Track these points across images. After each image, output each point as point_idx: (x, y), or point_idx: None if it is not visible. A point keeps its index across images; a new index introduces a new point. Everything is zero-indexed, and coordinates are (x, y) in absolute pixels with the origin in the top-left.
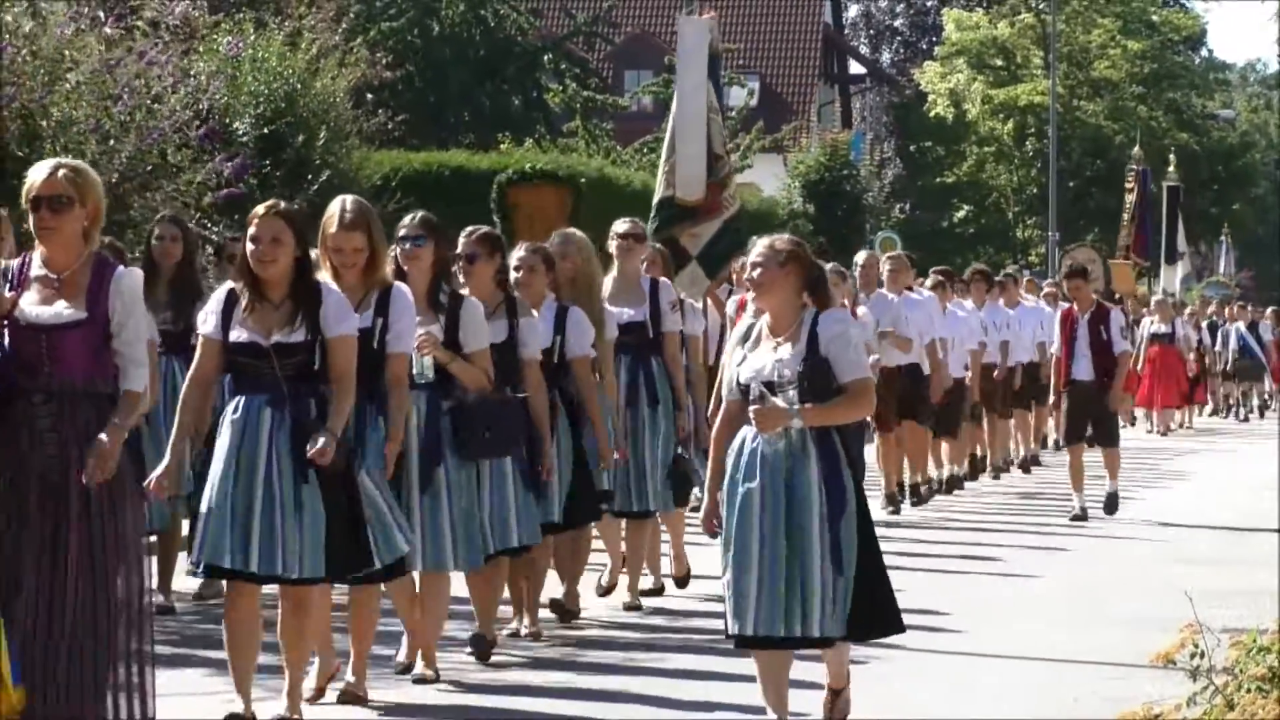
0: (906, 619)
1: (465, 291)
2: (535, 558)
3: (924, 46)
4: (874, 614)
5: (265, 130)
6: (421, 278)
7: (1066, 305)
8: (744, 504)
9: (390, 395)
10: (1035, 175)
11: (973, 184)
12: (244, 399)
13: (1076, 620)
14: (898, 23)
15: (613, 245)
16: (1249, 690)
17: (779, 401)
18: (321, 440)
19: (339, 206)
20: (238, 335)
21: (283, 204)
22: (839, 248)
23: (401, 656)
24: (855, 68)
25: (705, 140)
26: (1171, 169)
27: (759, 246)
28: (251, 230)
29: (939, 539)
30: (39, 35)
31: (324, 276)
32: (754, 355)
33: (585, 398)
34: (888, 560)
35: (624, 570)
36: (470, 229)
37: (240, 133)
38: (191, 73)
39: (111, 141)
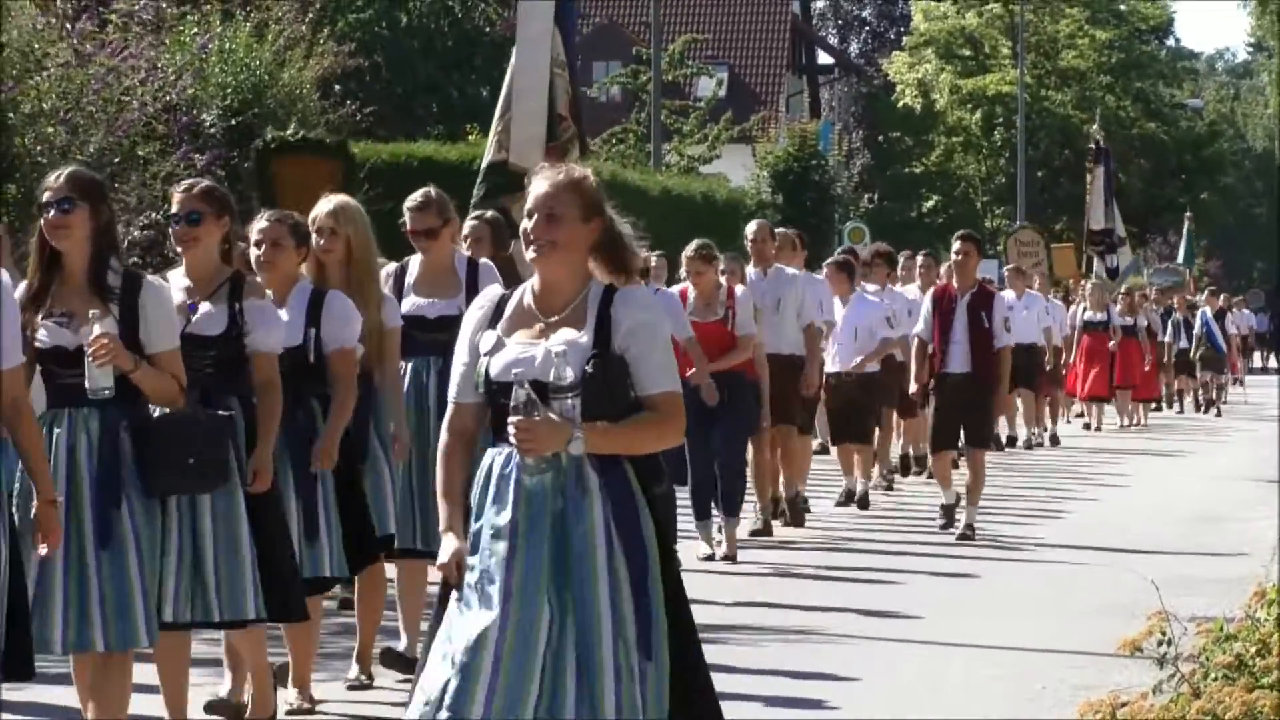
0: (867, 618)
1: (180, 270)
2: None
3: (892, 36)
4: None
5: (233, 122)
6: (77, 252)
7: (941, 283)
8: (486, 553)
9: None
10: (1003, 165)
11: (941, 174)
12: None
13: (1041, 611)
14: (865, 13)
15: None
16: (1215, 679)
17: (553, 413)
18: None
19: None
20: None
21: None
22: (808, 238)
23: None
24: (824, 58)
25: (546, 99)
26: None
27: (546, 184)
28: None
29: (891, 537)
30: (7, 29)
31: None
32: (513, 342)
33: (336, 398)
34: (827, 568)
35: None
36: (188, 182)
37: (208, 124)
38: (159, 65)
39: (80, 134)
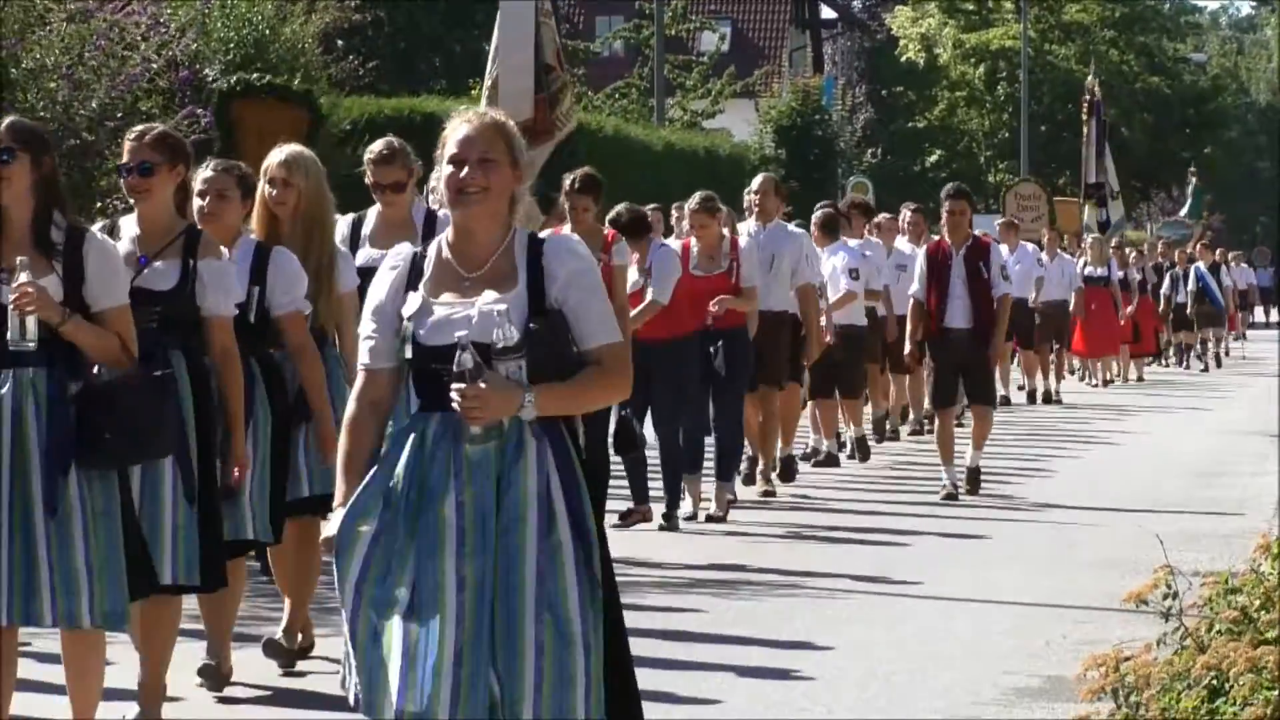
0: (868, 576)
1: (133, 218)
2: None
3: None
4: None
5: (235, 77)
6: (20, 206)
7: (934, 239)
8: (427, 529)
9: None
10: (1007, 119)
11: (944, 128)
12: None
13: (1044, 566)
14: None
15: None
16: (1220, 633)
17: (498, 378)
18: None
19: None
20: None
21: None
22: (812, 193)
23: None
24: (827, 12)
25: (533, 48)
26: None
27: (470, 129)
28: None
29: (890, 496)
30: None
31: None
32: (441, 303)
33: (302, 369)
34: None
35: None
36: (139, 129)
37: (210, 80)
38: (161, 20)
39: (82, 89)
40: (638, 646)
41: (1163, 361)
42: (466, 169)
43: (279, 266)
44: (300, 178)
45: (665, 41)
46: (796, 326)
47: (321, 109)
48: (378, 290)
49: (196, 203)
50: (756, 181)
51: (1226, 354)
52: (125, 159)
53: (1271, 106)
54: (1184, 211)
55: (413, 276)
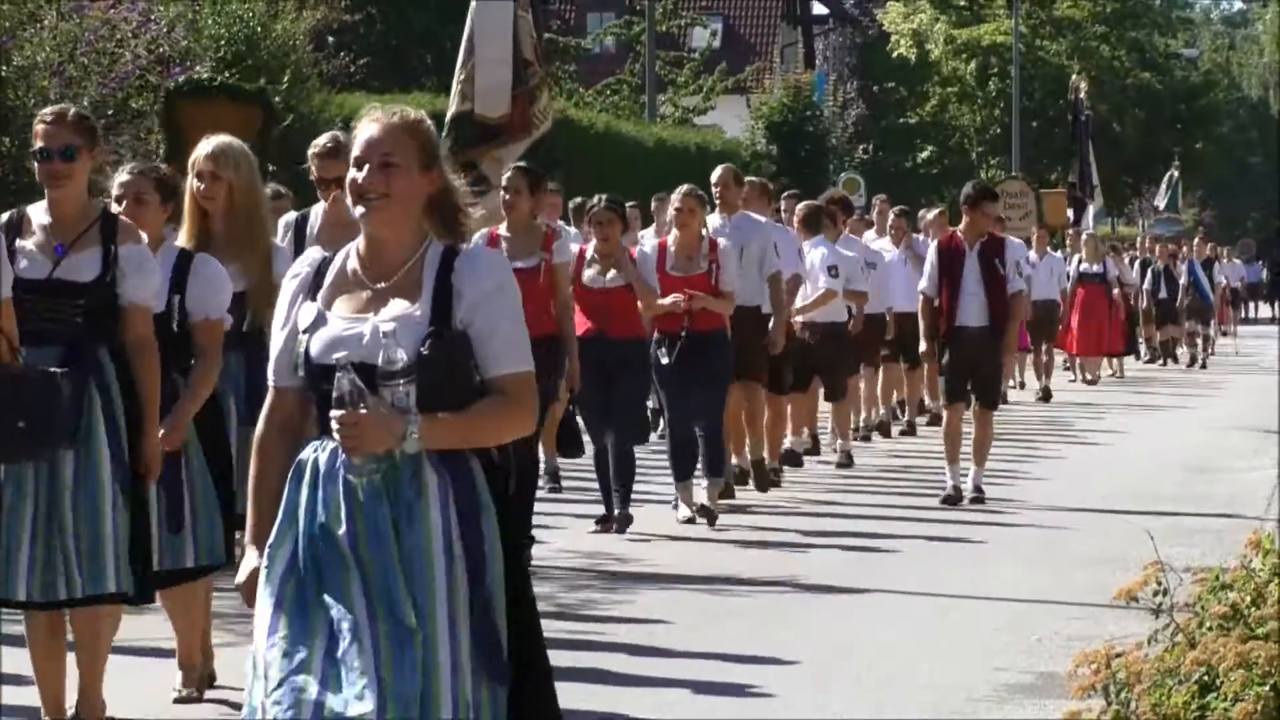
0: (860, 572)
1: (42, 206)
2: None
3: None
4: None
5: (226, 74)
6: None
7: (946, 234)
8: (323, 558)
9: None
10: (998, 115)
11: (936, 124)
12: None
13: (1036, 563)
14: None
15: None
16: (1210, 628)
17: (384, 403)
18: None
19: None
20: None
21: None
22: (803, 189)
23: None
24: (818, 8)
25: (511, 42)
26: (1081, 95)
27: (377, 128)
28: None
29: (877, 499)
30: None
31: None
32: (335, 315)
33: (195, 374)
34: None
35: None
36: (55, 111)
37: (201, 76)
38: (152, 17)
39: (74, 86)
40: (617, 653)
41: (1154, 359)
42: (365, 171)
43: (199, 273)
44: (229, 170)
45: (656, 38)
46: (768, 322)
47: (275, 107)
48: (283, 298)
49: (114, 208)
50: (715, 174)
51: (1211, 352)
52: (42, 142)
53: (1263, 102)
54: (1163, 204)
55: (314, 284)
